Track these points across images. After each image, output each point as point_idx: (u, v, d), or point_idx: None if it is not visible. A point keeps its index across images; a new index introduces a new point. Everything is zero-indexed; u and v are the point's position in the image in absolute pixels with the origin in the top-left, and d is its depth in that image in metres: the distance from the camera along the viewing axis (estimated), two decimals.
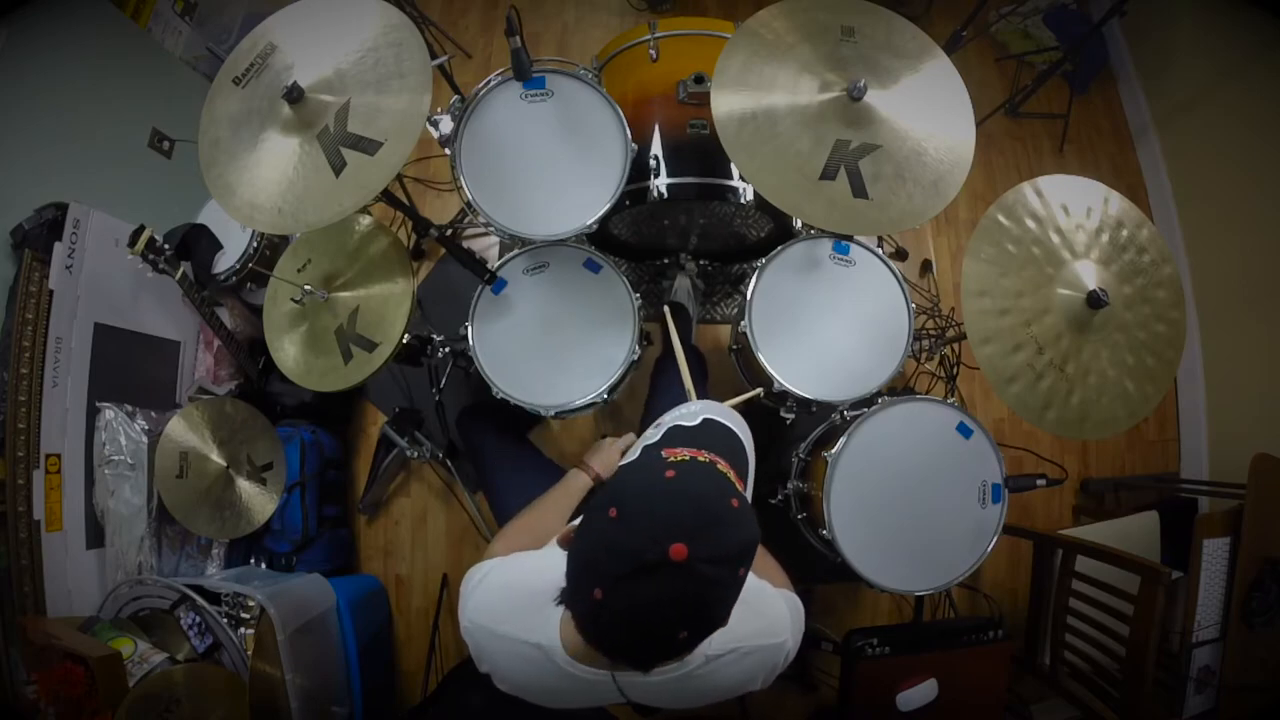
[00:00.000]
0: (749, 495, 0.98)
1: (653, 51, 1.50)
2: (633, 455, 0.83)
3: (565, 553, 0.73)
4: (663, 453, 0.74)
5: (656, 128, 1.48)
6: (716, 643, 0.80)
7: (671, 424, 0.88)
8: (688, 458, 0.72)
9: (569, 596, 0.70)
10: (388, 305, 1.41)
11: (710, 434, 0.86)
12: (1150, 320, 1.31)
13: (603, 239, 1.72)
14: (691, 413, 0.91)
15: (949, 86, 1.29)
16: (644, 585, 0.62)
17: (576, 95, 1.40)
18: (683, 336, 1.46)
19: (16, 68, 1.55)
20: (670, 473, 0.68)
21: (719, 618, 0.68)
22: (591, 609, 0.66)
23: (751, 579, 0.95)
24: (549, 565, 0.76)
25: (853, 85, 1.22)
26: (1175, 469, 2.41)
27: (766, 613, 0.89)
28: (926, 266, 2.37)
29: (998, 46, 2.66)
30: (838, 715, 1.62)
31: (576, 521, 0.77)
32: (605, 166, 1.38)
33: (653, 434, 0.87)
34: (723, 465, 0.73)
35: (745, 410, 1.11)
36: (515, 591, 0.85)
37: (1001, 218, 1.28)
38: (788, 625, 0.88)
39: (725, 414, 0.93)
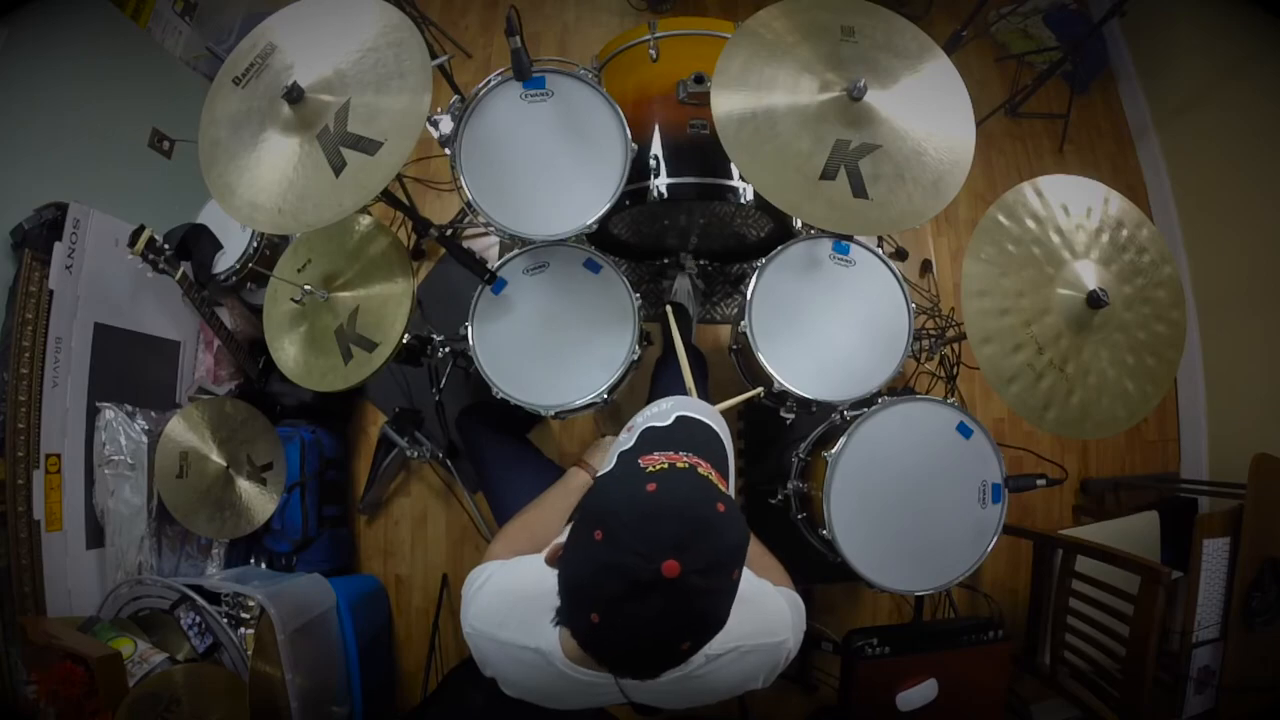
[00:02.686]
0: (732, 491, 0.94)
1: (653, 51, 1.50)
2: (609, 464, 0.79)
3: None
4: (640, 461, 0.71)
5: (656, 128, 1.48)
6: (716, 643, 0.80)
7: (644, 426, 0.83)
8: (666, 465, 0.69)
9: (566, 617, 0.68)
10: (388, 305, 1.41)
11: (686, 433, 0.82)
12: (1150, 320, 1.31)
13: (603, 239, 1.72)
14: (663, 411, 0.86)
15: (949, 86, 1.29)
16: (639, 605, 0.61)
17: (576, 95, 1.40)
18: (683, 336, 1.46)
19: (16, 68, 1.55)
20: (651, 485, 0.65)
21: (718, 622, 0.67)
22: (590, 631, 0.65)
23: (750, 577, 0.95)
24: (549, 570, 0.76)
25: (853, 85, 1.22)
26: (1175, 469, 2.41)
27: (766, 611, 0.89)
28: (926, 266, 2.37)
29: (998, 46, 2.65)
30: (838, 715, 1.63)
31: (563, 538, 0.74)
32: (605, 166, 1.38)
33: (626, 439, 0.82)
34: (704, 467, 0.71)
35: (745, 410, 1.10)
36: (515, 596, 0.85)
37: (1001, 218, 1.28)
38: (788, 623, 0.88)
39: (699, 409, 0.88)
